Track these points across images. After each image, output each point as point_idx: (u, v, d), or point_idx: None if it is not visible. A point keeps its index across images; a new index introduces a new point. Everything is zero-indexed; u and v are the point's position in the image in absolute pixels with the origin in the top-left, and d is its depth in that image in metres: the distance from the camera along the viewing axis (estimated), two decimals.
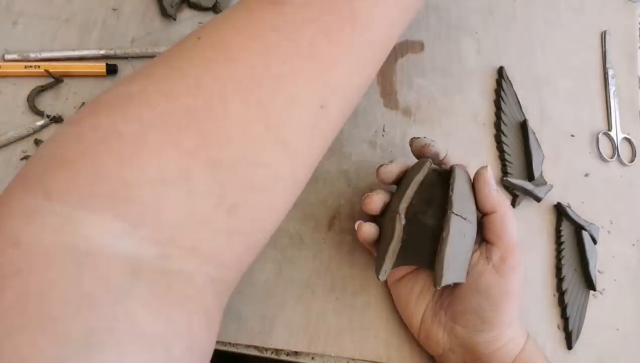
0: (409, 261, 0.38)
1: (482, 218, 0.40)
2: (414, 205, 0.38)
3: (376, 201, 0.40)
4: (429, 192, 0.39)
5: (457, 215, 0.36)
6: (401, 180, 0.41)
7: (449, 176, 0.38)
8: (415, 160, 0.42)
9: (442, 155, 0.41)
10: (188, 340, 0.22)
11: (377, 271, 0.38)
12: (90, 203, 0.21)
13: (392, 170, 0.41)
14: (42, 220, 0.20)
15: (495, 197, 0.39)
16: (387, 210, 0.40)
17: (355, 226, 0.40)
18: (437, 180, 0.39)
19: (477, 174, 0.39)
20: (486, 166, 0.39)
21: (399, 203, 0.38)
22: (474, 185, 0.39)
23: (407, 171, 0.41)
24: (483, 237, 0.40)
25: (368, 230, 0.40)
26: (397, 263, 0.38)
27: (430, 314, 0.41)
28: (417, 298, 0.42)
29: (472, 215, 0.38)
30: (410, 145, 0.42)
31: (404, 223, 0.37)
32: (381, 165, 0.41)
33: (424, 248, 0.37)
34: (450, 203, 0.36)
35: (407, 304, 0.43)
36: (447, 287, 0.41)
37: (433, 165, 0.40)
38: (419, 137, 0.41)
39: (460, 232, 0.36)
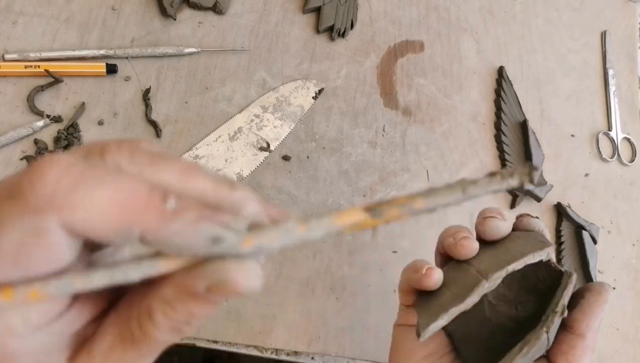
0: (461, 335, 0.33)
1: (560, 333, 0.33)
2: (507, 285, 0.34)
3: (438, 276, 0.33)
4: (531, 283, 0.34)
5: (547, 336, 0.31)
6: (501, 240, 0.34)
7: (555, 274, 0.33)
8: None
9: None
10: None
11: (422, 327, 0.31)
12: None
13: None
14: None
15: (597, 322, 0.32)
16: (461, 263, 0.34)
17: (423, 269, 0.33)
18: (545, 276, 0.34)
19: (598, 287, 0.33)
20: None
21: (494, 267, 0.31)
22: (580, 295, 0.33)
23: (514, 235, 0.34)
24: (547, 353, 0.33)
25: (438, 277, 0.33)
26: (444, 326, 0.32)
27: None
28: (424, 359, 0.35)
29: (554, 333, 0.32)
30: (519, 219, 0.36)
31: (487, 291, 0.31)
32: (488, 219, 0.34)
33: (486, 335, 0.32)
34: (549, 322, 0.31)
35: (407, 357, 0.36)
36: None
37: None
38: (532, 217, 0.35)
39: (533, 354, 0.31)
